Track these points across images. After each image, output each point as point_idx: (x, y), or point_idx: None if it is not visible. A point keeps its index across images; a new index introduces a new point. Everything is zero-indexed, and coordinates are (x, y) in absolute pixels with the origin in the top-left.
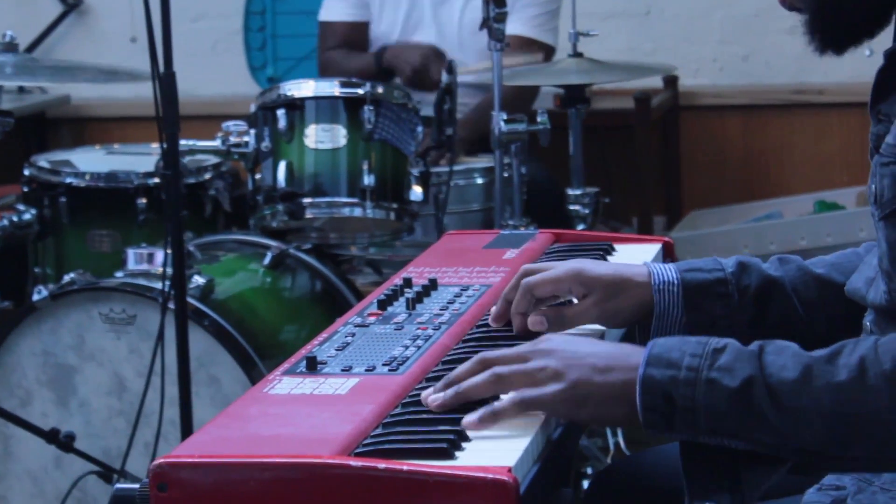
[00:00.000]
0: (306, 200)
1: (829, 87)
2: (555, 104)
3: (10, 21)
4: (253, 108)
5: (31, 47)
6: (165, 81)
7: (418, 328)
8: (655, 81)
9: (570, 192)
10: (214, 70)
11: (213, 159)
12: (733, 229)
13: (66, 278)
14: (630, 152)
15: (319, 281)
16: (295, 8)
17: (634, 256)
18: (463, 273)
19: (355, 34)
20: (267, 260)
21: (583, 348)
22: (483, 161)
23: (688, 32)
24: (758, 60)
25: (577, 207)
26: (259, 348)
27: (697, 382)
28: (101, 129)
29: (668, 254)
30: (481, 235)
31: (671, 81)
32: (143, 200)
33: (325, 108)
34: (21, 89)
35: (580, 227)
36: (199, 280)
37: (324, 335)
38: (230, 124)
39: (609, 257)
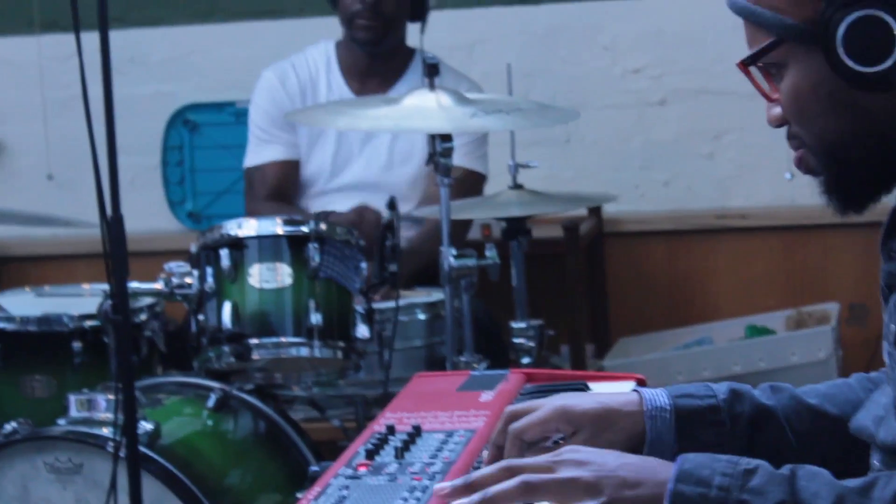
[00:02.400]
0: (253, 341)
1: (751, 211)
2: (482, 234)
3: None
4: (194, 248)
5: None
6: (113, 225)
7: (413, 479)
8: (580, 209)
9: (514, 325)
10: (133, 205)
11: (148, 300)
12: (666, 356)
13: (8, 427)
14: (558, 280)
15: (264, 422)
16: (212, 142)
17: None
18: (443, 418)
19: (286, 176)
20: (210, 402)
21: (612, 460)
22: (423, 296)
23: (608, 159)
24: (679, 185)
25: (521, 340)
26: (208, 493)
27: (728, 503)
28: (20, 270)
29: None
30: (452, 377)
31: (594, 208)
32: (79, 344)
33: (269, 247)
34: None
35: (525, 360)
36: (145, 426)
37: (316, 489)
38: (172, 265)
39: None
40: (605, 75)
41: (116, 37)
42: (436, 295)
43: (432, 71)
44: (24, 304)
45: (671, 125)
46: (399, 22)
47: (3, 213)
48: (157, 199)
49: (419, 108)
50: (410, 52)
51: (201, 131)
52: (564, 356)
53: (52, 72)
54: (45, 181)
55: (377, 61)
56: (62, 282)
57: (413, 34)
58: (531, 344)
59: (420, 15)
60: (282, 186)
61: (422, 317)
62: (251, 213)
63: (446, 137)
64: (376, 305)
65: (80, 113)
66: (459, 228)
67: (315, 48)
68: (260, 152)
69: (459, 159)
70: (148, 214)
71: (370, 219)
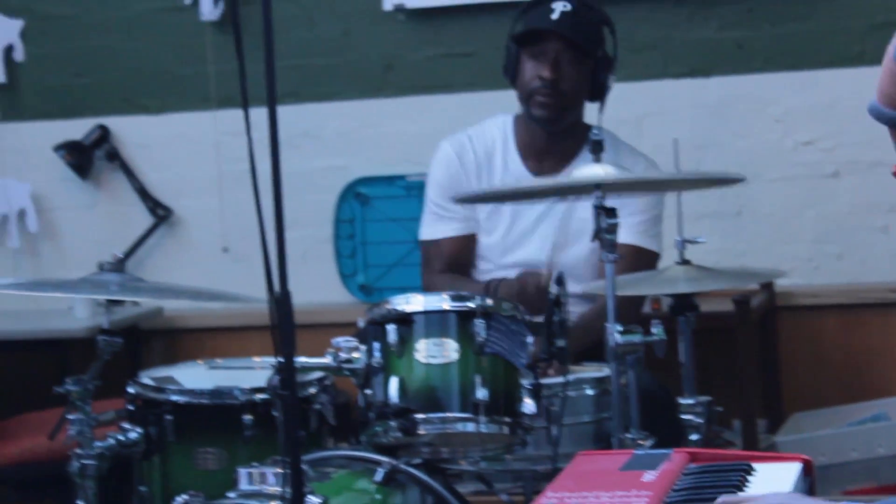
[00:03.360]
0: (419, 416)
1: None
2: (652, 308)
3: (103, 233)
4: (361, 322)
5: (124, 258)
6: (281, 301)
7: None
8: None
9: (683, 401)
10: (305, 278)
11: (318, 373)
12: (840, 432)
13: (180, 499)
14: (729, 355)
15: (431, 496)
16: (383, 215)
17: (775, 476)
18: (605, 498)
19: (461, 250)
20: (379, 476)
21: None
22: (592, 371)
23: (780, 232)
24: (853, 259)
25: (690, 417)
26: None
27: None
28: (195, 341)
29: (807, 472)
30: (616, 456)
31: (767, 283)
32: (250, 417)
33: (436, 323)
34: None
35: (693, 436)
36: (313, 500)
37: None
38: (340, 340)
39: (749, 477)
40: (777, 148)
41: (289, 111)
42: (605, 370)
43: (597, 148)
44: (197, 377)
45: (844, 198)
46: (577, 100)
47: (176, 288)
48: (329, 272)
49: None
50: (587, 130)
51: (373, 204)
52: (736, 431)
53: (227, 146)
54: (220, 253)
55: (554, 139)
56: (235, 353)
57: (590, 111)
58: (699, 420)
59: (599, 94)
60: (457, 260)
61: (590, 392)
62: (427, 285)
63: (611, 213)
64: (543, 381)
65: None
66: (632, 304)
67: (493, 121)
68: (435, 227)
69: (633, 237)
70: (320, 287)
71: (533, 282)
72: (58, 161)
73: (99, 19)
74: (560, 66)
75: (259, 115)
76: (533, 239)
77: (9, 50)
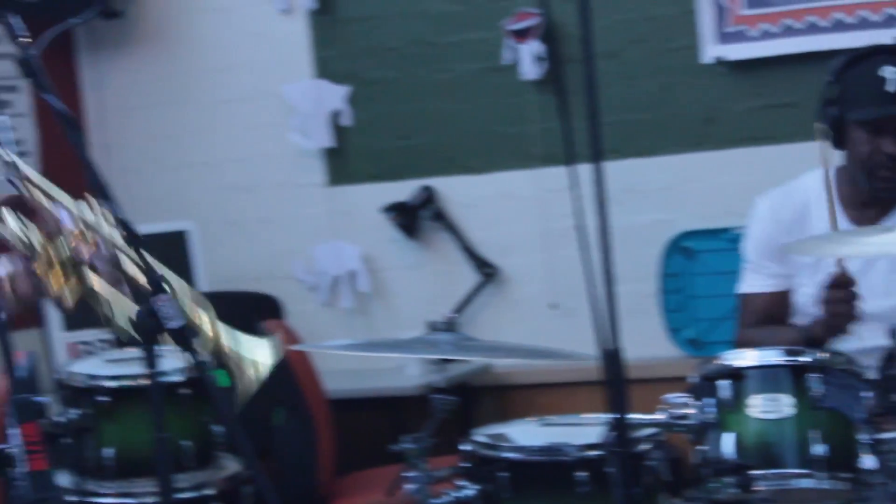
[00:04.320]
0: (756, 472)
1: None
2: None
3: (431, 292)
4: (693, 378)
5: (456, 318)
6: (611, 358)
7: None
8: None
9: None
10: (630, 333)
11: (651, 429)
12: None
13: None
14: None
15: None
16: (710, 269)
17: None
18: None
19: (774, 305)
20: None
21: None
22: None
23: None
24: None
25: None
26: None
27: None
28: (524, 397)
29: None
30: None
31: None
32: (584, 473)
33: (769, 378)
34: (442, 361)
35: None
36: None
37: None
38: (672, 396)
39: None
40: None
41: (612, 167)
42: None
43: None
44: (530, 434)
45: None
46: None
47: (507, 347)
48: (655, 327)
49: None
50: None
51: (698, 258)
52: None
53: (550, 203)
54: (546, 310)
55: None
56: (564, 409)
57: None
58: None
59: None
60: (772, 315)
61: None
62: (739, 339)
63: None
64: (882, 435)
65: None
66: None
67: (812, 175)
68: (750, 282)
69: None
70: (646, 342)
71: (839, 293)
72: (386, 222)
73: (422, 82)
74: None
75: (582, 171)
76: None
77: (336, 115)
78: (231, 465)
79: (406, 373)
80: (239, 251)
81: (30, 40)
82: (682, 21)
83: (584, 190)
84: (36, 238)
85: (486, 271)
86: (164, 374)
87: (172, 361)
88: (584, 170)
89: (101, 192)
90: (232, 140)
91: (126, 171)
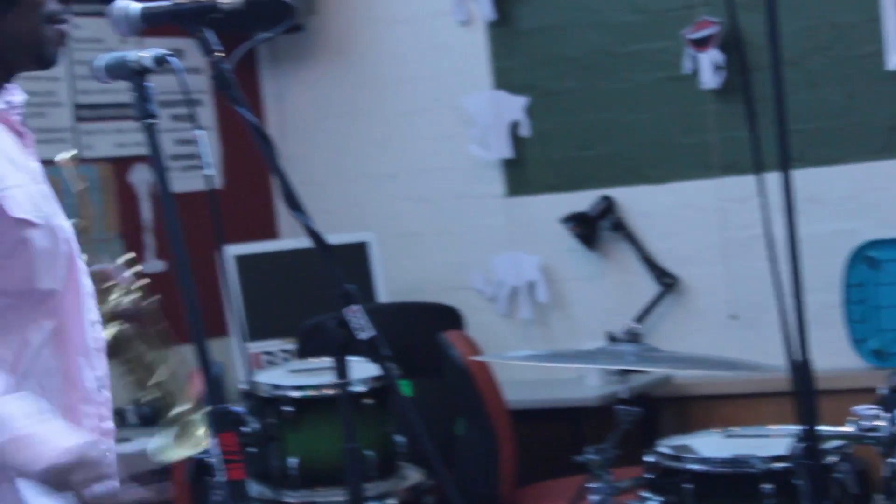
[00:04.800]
0: None
1: None
2: None
3: (609, 302)
4: (883, 390)
5: (640, 329)
6: (801, 370)
7: None
8: None
9: None
10: (814, 343)
11: (838, 442)
12: None
13: None
14: None
15: None
16: (895, 279)
17: None
18: None
19: None
20: None
21: None
22: None
23: None
24: None
25: None
26: None
27: None
28: (705, 408)
29: None
30: None
31: None
32: (770, 486)
33: None
34: (623, 371)
35: None
36: None
37: None
38: (861, 408)
39: None
40: None
41: (795, 176)
42: None
43: None
44: (714, 445)
45: None
46: None
47: (692, 358)
48: (839, 338)
49: None
50: None
51: (883, 268)
52: None
53: (731, 213)
54: (726, 320)
55: None
56: (746, 421)
57: None
58: None
59: None
60: None
61: None
62: None
63: None
64: None
65: (760, 253)
66: None
67: None
68: None
69: None
70: (830, 353)
71: None
72: (565, 233)
73: (601, 92)
74: None
75: (767, 180)
76: None
77: (515, 126)
78: (413, 475)
79: (586, 383)
80: (419, 262)
81: (223, 54)
82: (867, 28)
83: (770, 199)
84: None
85: (666, 281)
86: (351, 384)
87: (357, 371)
88: (769, 178)
89: (293, 204)
90: (412, 151)
91: (307, 182)
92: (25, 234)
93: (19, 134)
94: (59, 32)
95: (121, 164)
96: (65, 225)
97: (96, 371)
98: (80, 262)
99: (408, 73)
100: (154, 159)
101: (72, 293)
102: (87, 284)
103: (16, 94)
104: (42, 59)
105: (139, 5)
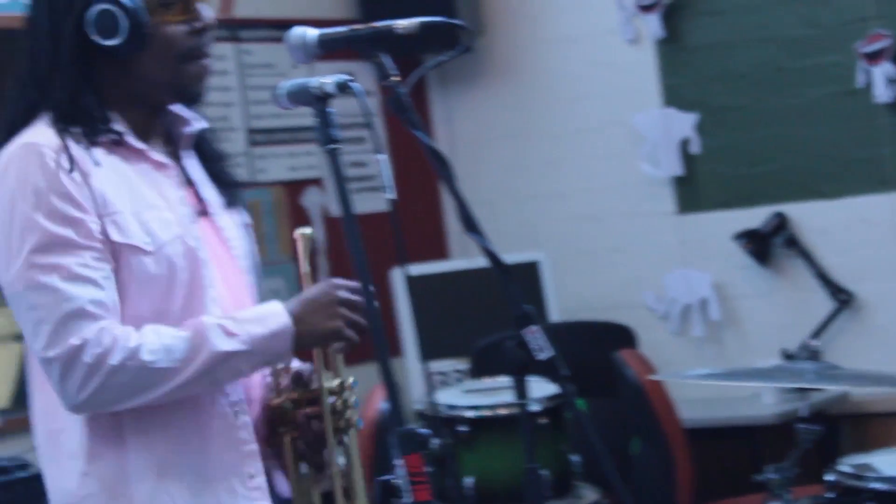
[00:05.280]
0: None
1: None
2: None
3: (783, 319)
4: None
5: (818, 347)
6: None
7: None
8: None
9: None
10: None
11: None
12: None
13: None
14: None
15: None
16: None
17: None
18: None
19: None
20: None
21: None
22: None
23: None
24: None
25: None
26: None
27: None
28: (883, 425)
29: None
30: None
31: None
32: None
33: None
34: (800, 389)
35: None
36: None
37: None
38: None
39: None
40: None
41: None
42: None
43: None
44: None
45: None
46: None
47: (870, 375)
48: None
49: None
50: None
51: None
52: None
53: None
54: None
55: None
56: None
57: None
58: None
59: None
60: None
61: None
62: None
63: None
64: None
65: None
66: None
67: None
68: None
69: None
70: None
71: None
72: (737, 250)
73: (772, 108)
74: None
75: None
76: None
77: (685, 143)
78: (589, 495)
79: (761, 401)
80: (589, 280)
81: (399, 78)
82: None
83: None
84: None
85: (841, 298)
86: (529, 404)
87: (533, 390)
88: None
89: (470, 226)
90: (581, 170)
91: (477, 202)
92: (134, 260)
93: (158, 165)
94: (200, 68)
95: (293, 188)
96: (192, 252)
97: (230, 397)
98: (213, 289)
99: (576, 91)
100: (338, 184)
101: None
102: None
103: (194, 122)
104: (184, 96)
105: (316, 32)
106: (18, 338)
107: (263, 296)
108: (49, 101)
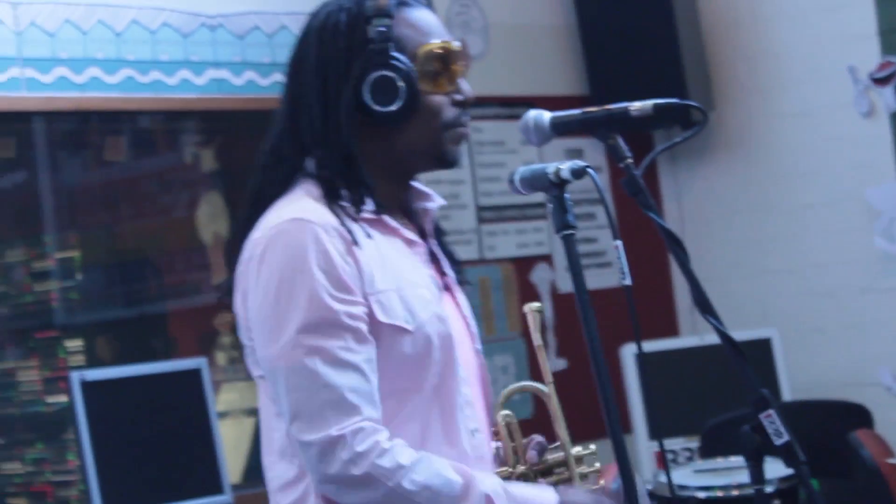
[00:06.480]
0: None
1: None
2: None
3: None
4: None
5: None
6: None
7: None
8: None
9: None
10: None
11: None
12: None
13: None
14: None
15: None
16: None
17: None
18: None
19: None
20: None
21: None
22: None
23: None
24: None
25: None
26: None
27: None
28: None
29: None
30: None
31: None
32: None
33: None
34: None
35: None
36: None
37: None
38: None
39: None
40: None
41: None
42: None
43: None
44: None
45: None
46: None
47: None
48: None
49: None
50: None
51: None
52: None
53: None
54: None
55: None
56: None
57: None
58: None
59: None
60: None
61: None
62: None
63: None
64: None
65: None
66: None
67: None
68: None
69: None
70: None
71: None
72: None
73: None
74: None
75: None
76: None
77: None
78: None
79: None
80: (823, 358)
81: (632, 160)
82: None
83: None
84: None
85: None
86: (766, 488)
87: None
88: None
89: (705, 308)
90: (814, 245)
91: (707, 279)
92: (394, 339)
93: (409, 242)
94: (459, 135)
95: (522, 264)
96: (445, 331)
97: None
98: (462, 368)
99: (808, 166)
100: (573, 269)
101: (448, 397)
102: (467, 393)
103: (435, 198)
104: (443, 161)
105: (549, 115)
106: (252, 412)
107: (493, 373)
108: (314, 171)
